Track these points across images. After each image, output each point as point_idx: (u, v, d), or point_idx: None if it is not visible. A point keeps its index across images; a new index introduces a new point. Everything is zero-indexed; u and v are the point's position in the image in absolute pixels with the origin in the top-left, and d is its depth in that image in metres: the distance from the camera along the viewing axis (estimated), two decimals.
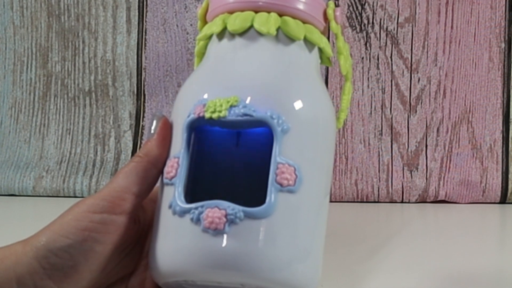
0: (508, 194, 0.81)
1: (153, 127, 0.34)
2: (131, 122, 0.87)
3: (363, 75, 0.83)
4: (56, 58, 0.88)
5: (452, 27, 0.82)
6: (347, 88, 0.38)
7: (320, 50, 0.36)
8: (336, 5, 0.41)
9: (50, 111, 0.88)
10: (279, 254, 0.29)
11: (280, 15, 0.34)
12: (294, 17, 0.34)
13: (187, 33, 0.85)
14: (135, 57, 0.86)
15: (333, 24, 0.36)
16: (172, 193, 0.31)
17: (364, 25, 0.83)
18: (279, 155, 0.30)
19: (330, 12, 0.36)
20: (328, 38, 0.37)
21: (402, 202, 0.82)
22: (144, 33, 0.86)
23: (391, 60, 0.83)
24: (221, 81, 0.32)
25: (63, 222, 0.31)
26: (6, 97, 0.89)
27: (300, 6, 0.34)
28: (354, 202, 0.82)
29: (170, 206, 0.31)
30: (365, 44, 0.83)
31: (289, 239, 0.29)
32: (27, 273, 0.30)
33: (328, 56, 0.36)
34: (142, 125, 0.87)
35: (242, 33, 0.33)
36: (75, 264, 0.30)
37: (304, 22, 0.34)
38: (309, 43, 0.34)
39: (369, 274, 0.46)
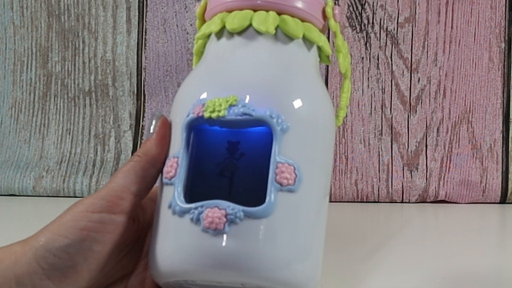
0: (508, 194, 0.81)
1: (152, 127, 0.34)
2: (131, 122, 0.87)
3: (363, 75, 0.83)
4: (56, 58, 0.88)
5: (452, 27, 0.82)
6: (346, 86, 0.38)
7: (319, 49, 0.36)
8: (336, 4, 0.41)
9: (50, 111, 0.88)
10: (279, 253, 0.29)
11: (279, 14, 0.34)
12: (292, 16, 0.34)
13: (187, 33, 0.85)
14: (135, 57, 0.86)
15: (331, 22, 0.36)
16: (172, 193, 0.31)
17: (364, 25, 0.83)
18: (278, 154, 0.30)
19: (328, 10, 0.36)
20: (328, 37, 0.37)
21: (402, 202, 0.82)
22: (144, 33, 0.86)
23: (391, 60, 0.83)
24: (220, 80, 0.32)
25: (61, 222, 0.31)
26: (6, 97, 0.89)
27: (299, 5, 0.34)
28: (354, 202, 0.82)
29: (169, 206, 0.31)
30: (365, 44, 0.83)
31: (289, 239, 0.29)
32: (26, 273, 0.30)
33: (327, 54, 0.36)
34: (142, 125, 0.87)
35: (240, 32, 0.33)
36: (74, 264, 0.30)
37: (303, 20, 0.34)
38: (308, 42, 0.34)
39: (369, 274, 0.46)
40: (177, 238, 0.30)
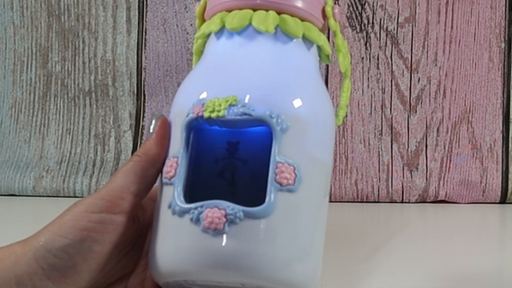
0: (508, 194, 0.81)
1: (152, 126, 0.34)
2: (131, 122, 0.87)
3: (363, 75, 0.83)
4: (56, 58, 0.88)
5: (452, 27, 0.82)
6: (346, 85, 0.38)
7: (319, 48, 0.36)
8: (335, 3, 0.41)
9: (50, 111, 0.88)
10: (279, 253, 0.29)
11: (279, 13, 0.34)
12: (292, 15, 0.34)
13: (187, 33, 0.85)
14: (135, 57, 0.86)
15: (331, 22, 0.36)
16: (172, 193, 0.31)
17: (364, 25, 0.83)
18: (278, 154, 0.30)
19: (328, 9, 0.36)
20: (328, 37, 0.37)
21: (402, 202, 0.82)
22: (144, 33, 0.86)
23: (391, 60, 0.83)
24: (220, 80, 0.32)
25: (61, 222, 0.31)
26: (6, 97, 0.89)
27: (299, 4, 0.34)
28: (354, 202, 0.82)
29: (169, 206, 0.31)
30: (365, 44, 0.83)
31: (289, 239, 0.29)
32: (26, 274, 0.30)
33: (327, 53, 0.36)
34: (142, 125, 0.87)
35: (240, 32, 0.33)
36: (74, 264, 0.30)
37: (302, 19, 0.34)
38: (307, 41, 0.34)
39: (369, 274, 0.46)
40: (177, 238, 0.30)
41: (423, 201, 0.82)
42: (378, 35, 0.83)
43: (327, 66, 0.83)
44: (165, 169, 0.32)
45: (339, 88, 0.83)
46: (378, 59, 0.83)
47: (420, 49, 0.83)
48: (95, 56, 0.87)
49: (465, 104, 0.83)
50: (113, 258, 0.32)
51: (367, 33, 0.83)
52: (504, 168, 0.82)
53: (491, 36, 0.82)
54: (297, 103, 0.31)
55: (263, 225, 0.29)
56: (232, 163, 0.36)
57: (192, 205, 0.29)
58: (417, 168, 0.82)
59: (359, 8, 0.83)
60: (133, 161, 0.33)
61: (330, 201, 0.34)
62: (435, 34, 0.82)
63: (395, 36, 0.83)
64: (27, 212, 0.77)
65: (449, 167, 0.82)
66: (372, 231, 0.65)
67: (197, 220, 0.29)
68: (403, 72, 0.83)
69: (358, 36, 0.83)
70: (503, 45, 0.82)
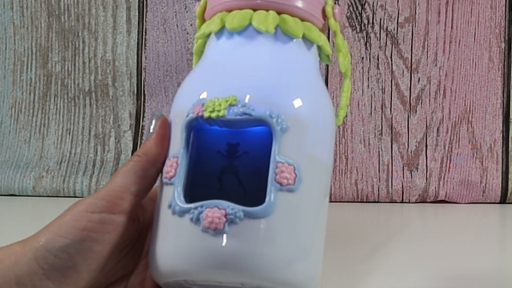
0: (508, 194, 0.81)
1: (152, 126, 0.34)
2: (131, 122, 0.87)
3: (363, 75, 0.83)
4: (56, 58, 0.88)
5: (452, 27, 0.82)
6: (346, 85, 0.38)
7: (319, 48, 0.36)
8: (336, 3, 0.41)
9: (50, 111, 0.88)
10: (279, 253, 0.29)
11: (279, 13, 0.34)
12: (292, 15, 0.34)
13: (187, 33, 0.85)
14: (135, 57, 0.86)
15: (331, 22, 0.36)
16: (172, 193, 0.31)
17: (364, 25, 0.83)
18: (278, 154, 0.30)
19: (328, 9, 0.36)
20: (328, 37, 0.37)
21: (402, 202, 0.82)
22: (144, 33, 0.86)
23: (391, 60, 0.83)
24: (220, 80, 0.32)
25: (61, 222, 0.31)
26: (6, 97, 0.89)
27: (299, 4, 0.34)
28: (354, 202, 0.82)
29: (169, 206, 0.31)
30: (365, 44, 0.83)
31: (289, 239, 0.29)
32: (26, 274, 0.30)
33: (327, 53, 0.36)
34: (142, 125, 0.87)
35: (240, 32, 0.33)
36: (74, 264, 0.30)
37: (302, 19, 0.34)
38: (307, 41, 0.34)
39: (369, 274, 0.46)
40: (177, 238, 0.30)
41: (423, 201, 0.82)
42: (378, 35, 0.83)
43: (327, 66, 0.83)
44: (165, 169, 0.32)
45: (339, 88, 0.83)
46: (378, 59, 0.83)
47: (420, 49, 0.83)
48: (95, 56, 0.87)
49: (465, 104, 0.83)
50: (113, 258, 0.32)
51: (367, 33, 0.83)
52: (504, 168, 0.82)
53: (491, 36, 0.82)
54: (297, 103, 0.31)
55: (263, 225, 0.29)
56: (232, 163, 0.36)
57: (192, 205, 0.29)
58: (417, 168, 0.82)
59: (359, 8, 0.83)
60: (133, 161, 0.33)
61: (330, 201, 0.34)
62: (435, 34, 0.82)
63: (395, 36, 0.83)
64: (27, 212, 0.77)
65: (449, 167, 0.82)
66: (372, 231, 0.65)
67: (197, 220, 0.29)
68: (403, 72, 0.83)
69: (358, 36, 0.83)
70: (503, 45, 0.82)
